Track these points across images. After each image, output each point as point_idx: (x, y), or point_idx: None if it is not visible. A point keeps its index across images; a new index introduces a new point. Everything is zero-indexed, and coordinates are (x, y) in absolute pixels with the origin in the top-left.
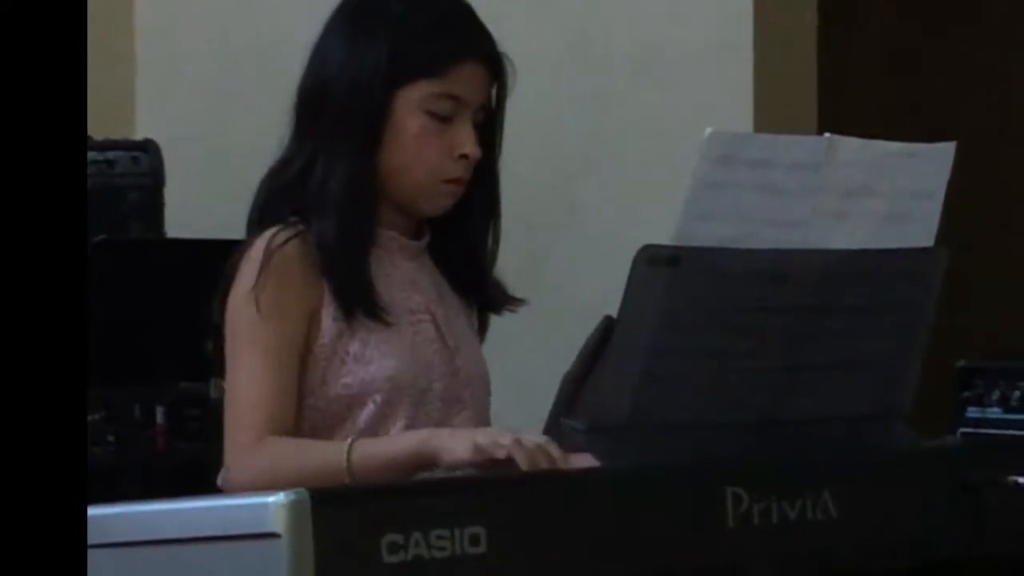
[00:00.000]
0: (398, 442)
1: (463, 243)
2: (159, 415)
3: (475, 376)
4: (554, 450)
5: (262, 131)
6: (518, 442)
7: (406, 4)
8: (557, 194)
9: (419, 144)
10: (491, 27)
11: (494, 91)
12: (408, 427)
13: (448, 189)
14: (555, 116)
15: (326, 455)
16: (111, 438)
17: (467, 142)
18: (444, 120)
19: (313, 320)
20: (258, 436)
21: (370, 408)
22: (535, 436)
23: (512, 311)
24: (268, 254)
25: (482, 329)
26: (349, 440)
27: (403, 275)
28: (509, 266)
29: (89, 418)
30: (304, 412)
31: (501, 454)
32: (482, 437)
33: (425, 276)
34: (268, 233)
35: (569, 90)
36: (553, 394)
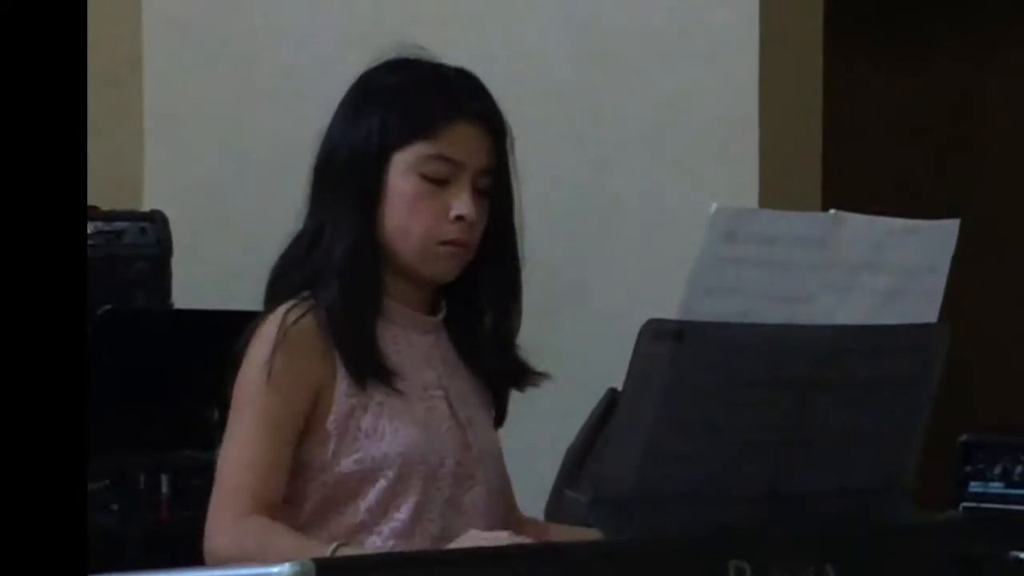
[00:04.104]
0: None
1: (477, 317)
2: (164, 484)
3: (487, 452)
4: None
5: (269, 203)
6: None
7: (403, 73)
8: (563, 267)
9: (414, 207)
10: (497, 101)
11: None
12: (419, 503)
13: (446, 251)
14: (562, 190)
15: (306, 552)
16: (115, 506)
17: (461, 203)
18: (440, 183)
19: (322, 396)
20: (243, 511)
21: (381, 485)
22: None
23: (535, 386)
24: (283, 329)
25: (501, 411)
26: (334, 545)
27: (417, 351)
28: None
29: (94, 486)
30: (314, 489)
31: None
32: None
33: (439, 352)
34: (282, 309)
35: (576, 163)
36: (557, 466)
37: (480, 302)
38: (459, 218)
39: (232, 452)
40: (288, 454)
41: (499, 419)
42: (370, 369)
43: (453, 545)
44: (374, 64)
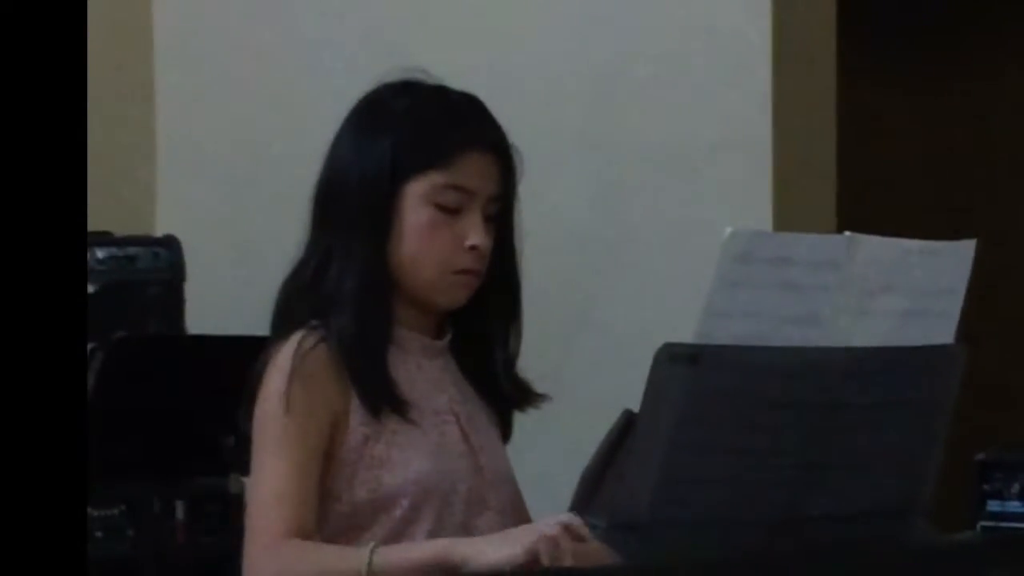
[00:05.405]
0: (421, 548)
1: (483, 340)
2: (179, 510)
3: (499, 476)
4: (579, 528)
5: (283, 228)
6: (544, 538)
7: (411, 98)
8: (576, 289)
9: (427, 236)
10: (509, 121)
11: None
12: (433, 530)
13: (460, 280)
14: (574, 210)
15: (346, 560)
16: (130, 532)
17: (475, 233)
18: (452, 212)
19: (338, 424)
20: (278, 538)
21: (396, 512)
22: (557, 518)
23: (536, 408)
24: (298, 358)
25: (507, 429)
26: (371, 545)
27: (426, 376)
28: (528, 361)
29: (109, 512)
30: (330, 517)
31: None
32: (508, 547)
33: (448, 376)
34: (295, 337)
35: (591, 187)
36: (572, 490)
37: (485, 324)
38: (473, 247)
39: (260, 487)
40: (316, 481)
41: (504, 439)
42: (384, 400)
43: (471, 543)
44: (378, 86)
